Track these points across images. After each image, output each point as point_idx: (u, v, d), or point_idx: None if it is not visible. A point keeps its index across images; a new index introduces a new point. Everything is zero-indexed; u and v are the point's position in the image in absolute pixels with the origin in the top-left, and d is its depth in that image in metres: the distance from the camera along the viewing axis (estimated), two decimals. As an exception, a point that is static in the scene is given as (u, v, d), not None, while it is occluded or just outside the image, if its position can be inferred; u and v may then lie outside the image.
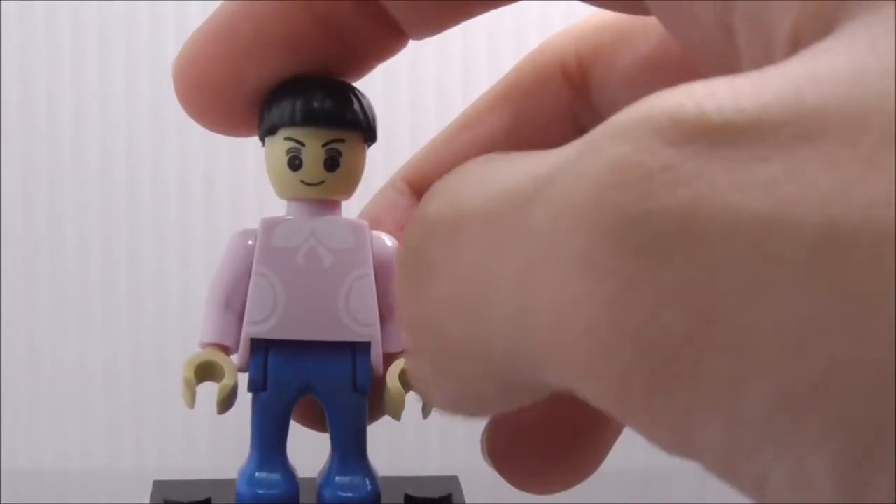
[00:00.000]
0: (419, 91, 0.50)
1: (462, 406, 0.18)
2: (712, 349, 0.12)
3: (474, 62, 0.50)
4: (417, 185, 0.25)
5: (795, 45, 0.14)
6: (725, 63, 0.17)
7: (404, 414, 0.23)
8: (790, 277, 0.11)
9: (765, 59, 0.15)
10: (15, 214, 0.50)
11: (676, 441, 0.13)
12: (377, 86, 0.48)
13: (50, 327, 0.51)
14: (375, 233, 0.23)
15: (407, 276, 0.17)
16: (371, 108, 0.23)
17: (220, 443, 0.50)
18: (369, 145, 0.24)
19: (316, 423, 0.23)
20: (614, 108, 0.25)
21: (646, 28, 0.24)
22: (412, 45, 0.23)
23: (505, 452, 0.23)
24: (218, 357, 0.22)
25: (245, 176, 0.50)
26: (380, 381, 0.23)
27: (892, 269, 0.11)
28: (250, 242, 0.23)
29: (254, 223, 0.23)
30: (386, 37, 0.22)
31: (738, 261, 0.12)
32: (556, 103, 0.24)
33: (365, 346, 0.23)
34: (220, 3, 0.22)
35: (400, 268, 0.17)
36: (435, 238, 0.16)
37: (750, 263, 0.12)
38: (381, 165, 0.49)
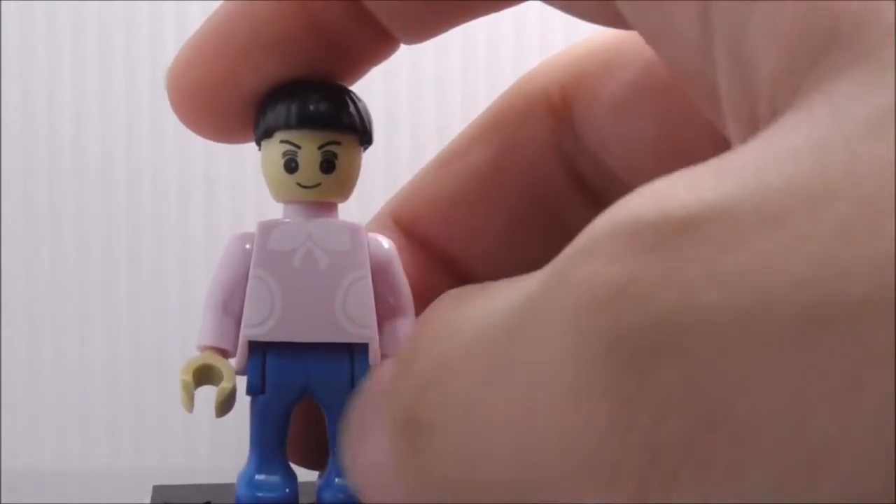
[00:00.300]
0: (418, 91, 0.50)
1: None
2: (716, 445, 0.12)
3: (473, 64, 0.50)
4: (404, 221, 0.25)
5: (776, 85, 0.14)
6: (710, 89, 0.17)
7: None
8: (776, 361, 0.11)
9: (745, 91, 0.15)
10: (15, 214, 0.50)
11: None
12: (376, 87, 0.48)
13: (50, 327, 0.51)
14: (372, 235, 0.23)
15: (400, 435, 0.17)
16: (367, 111, 0.23)
17: (221, 443, 0.50)
18: (365, 148, 0.24)
19: (314, 430, 0.23)
20: (599, 135, 0.25)
21: (630, 56, 0.24)
22: (412, 47, 0.23)
23: None
24: (216, 360, 0.22)
25: (245, 176, 0.50)
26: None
27: (875, 333, 0.11)
28: (247, 246, 0.23)
29: (254, 224, 0.23)
30: (377, 41, 0.22)
31: (722, 356, 0.12)
32: (541, 134, 0.24)
33: (363, 349, 0.23)
34: (219, 4, 0.23)
35: (391, 427, 0.17)
36: (422, 394, 0.16)
37: (734, 356, 0.12)
38: (382, 167, 0.49)
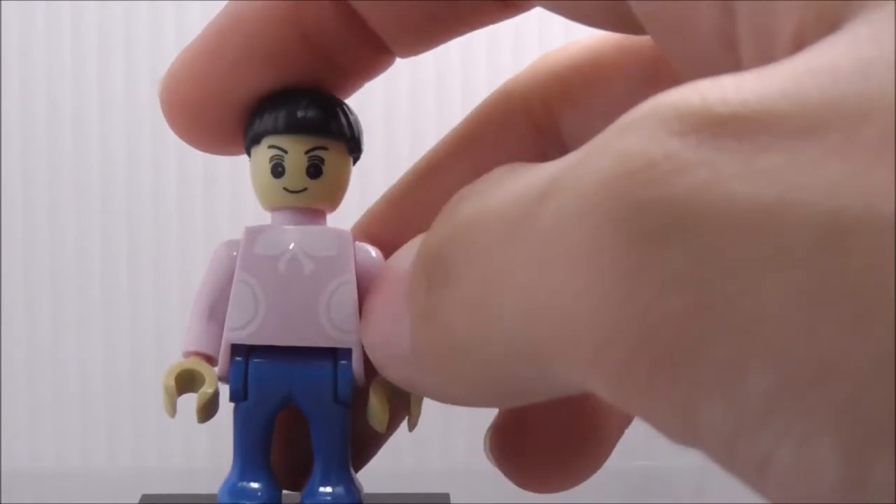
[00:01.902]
0: (418, 94, 0.50)
1: (460, 401, 0.18)
2: (714, 333, 0.12)
3: (473, 66, 0.50)
4: (377, 235, 0.24)
5: (798, 46, 0.14)
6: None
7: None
8: (794, 263, 0.12)
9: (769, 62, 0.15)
10: (15, 214, 0.50)
11: (679, 426, 0.13)
12: (377, 93, 0.48)
13: (50, 327, 0.51)
14: (359, 243, 0.23)
15: (421, 277, 0.17)
16: (358, 122, 0.23)
17: (219, 444, 0.50)
18: (355, 159, 0.24)
19: (297, 437, 0.23)
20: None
21: (615, 68, 0.23)
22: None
23: (508, 451, 0.23)
24: (199, 366, 0.22)
25: (245, 176, 0.50)
26: (363, 391, 0.23)
27: (894, 258, 0.11)
28: (235, 253, 0.23)
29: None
30: (372, 54, 0.22)
31: (740, 246, 0.12)
32: (522, 148, 0.24)
33: (346, 356, 0.22)
34: (216, 11, 0.22)
35: (414, 270, 0.17)
36: (454, 240, 0.17)
37: (752, 248, 0.12)
38: (382, 170, 0.49)
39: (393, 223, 0.25)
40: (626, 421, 0.24)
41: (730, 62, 0.16)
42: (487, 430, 0.23)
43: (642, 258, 0.12)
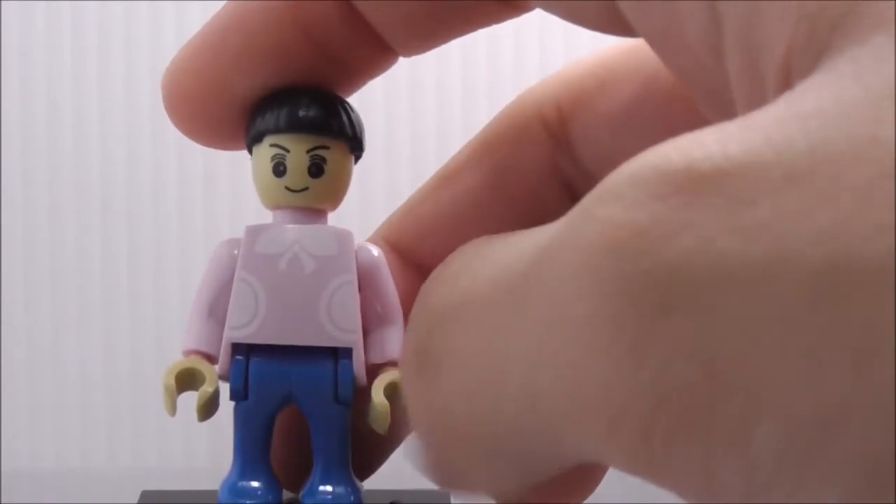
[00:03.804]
0: (418, 93, 0.50)
1: (468, 487, 0.18)
2: (722, 396, 0.12)
3: (474, 65, 0.50)
4: (398, 244, 0.24)
5: (787, 68, 0.14)
6: (717, 89, 0.17)
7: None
8: (792, 316, 0.11)
9: (755, 81, 0.15)
10: (15, 214, 0.50)
11: (697, 488, 0.13)
12: (377, 93, 0.48)
13: (50, 327, 0.51)
14: (361, 242, 0.23)
15: (413, 368, 0.17)
16: (359, 120, 0.23)
17: (219, 444, 0.50)
18: (357, 157, 0.24)
19: (297, 437, 0.23)
20: (597, 155, 0.24)
21: (627, 73, 0.23)
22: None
23: None
24: (199, 364, 0.22)
25: (245, 176, 0.50)
26: (364, 392, 0.23)
27: (892, 300, 0.11)
28: (235, 252, 0.23)
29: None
30: (375, 53, 0.22)
31: (736, 306, 0.12)
32: (537, 155, 0.24)
33: (347, 355, 0.22)
34: (219, 6, 0.22)
35: (405, 360, 0.17)
36: (439, 328, 0.16)
37: (747, 307, 0.12)
38: (382, 170, 0.49)
39: (411, 231, 0.25)
40: None
41: (719, 73, 0.16)
42: None
43: (644, 329, 0.12)
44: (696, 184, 0.12)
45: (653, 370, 0.12)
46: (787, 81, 0.14)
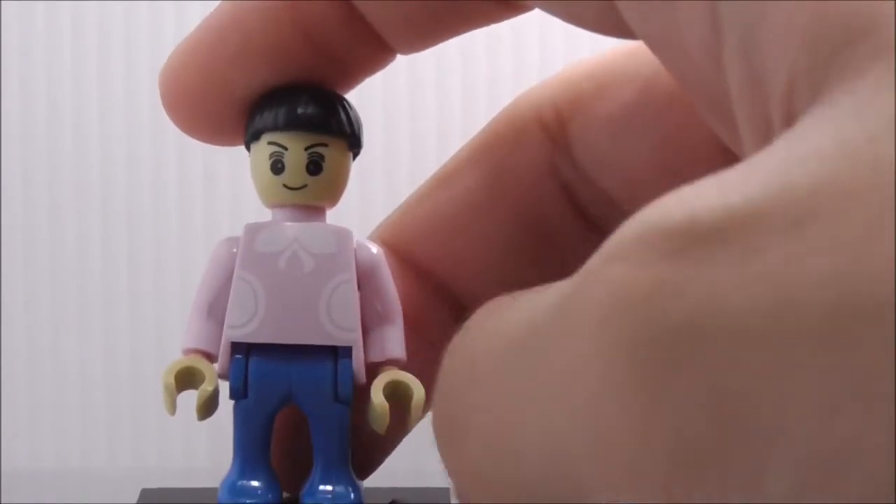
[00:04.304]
0: (417, 91, 0.50)
1: None
2: (737, 444, 0.12)
3: (473, 64, 0.49)
4: (396, 245, 0.24)
5: (791, 89, 0.14)
6: (717, 97, 0.16)
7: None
8: (800, 362, 0.11)
9: (756, 95, 0.15)
10: (15, 214, 0.50)
11: None
12: (376, 92, 0.48)
13: (50, 327, 0.51)
14: (360, 240, 0.23)
15: (443, 436, 0.17)
16: (357, 117, 0.23)
17: (219, 444, 0.50)
18: (355, 155, 0.24)
19: (296, 436, 0.23)
20: (596, 157, 0.25)
21: (626, 76, 0.23)
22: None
23: None
24: (199, 363, 0.22)
25: (245, 176, 0.50)
26: (364, 391, 0.23)
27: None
28: (234, 250, 0.23)
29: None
30: (373, 50, 0.22)
31: (747, 357, 0.12)
32: (535, 156, 0.24)
33: (346, 354, 0.22)
34: (216, 6, 0.22)
35: (435, 429, 0.18)
36: (461, 394, 0.17)
37: (759, 356, 0.12)
38: (381, 169, 0.49)
39: (409, 232, 0.25)
40: None
41: (719, 80, 0.16)
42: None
43: (658, 388, 0.12)
44: (700, 239, 0.12)
45: (671, 428, 0.12)
46: (790, 106, 0.14)
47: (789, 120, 0.14)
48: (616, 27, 0.18)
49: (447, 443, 0.17)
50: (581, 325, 0.13)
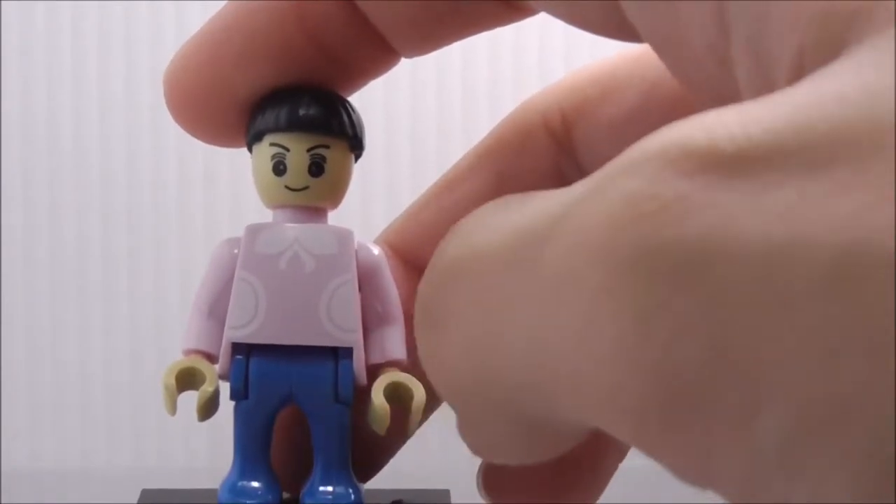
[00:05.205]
0: (419, 93, 0.50)
1: (480, 450, 0.18)
2: (727, 378, 0.12)
3: (474, 66, 0.49)
4: (400, 249, 0.24)
5: (800, 70, 0.14)
6: (724, 97, 0.16)
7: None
8: (807, 302, 0.11)
9: (765, 88, 0.15)
10: (15, 214, 0.50)
11: (694, 471, 0.13)
12: (377, 93, 0.48)
13: (50, 327, 0.51)
14: (361, 241, 0.23)
15: (422, 322, 0.17)
16: (359, 119, 0.23)
17: (219, 444, 0.50)
18: (357, 156, 0.24)
19: (297, 437, 0.23)
20: (601, 161, 0.25)
21: (631, 79, 0.23)
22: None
23: (501, 489, 0.23)
24: (200, 363, 0.22)
25: (245, 176, 0.50)
26: (364, 392, 0.23)
27: None
28: (235, 251, 0.23)
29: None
30: (377, 53, 0.22)
31: (752, 287, 0.12)
32: (541, 161, 0.24)
33: (347, 354, 0.22)
34: (219, 6, 0.22)
35: (416, 314, 0.17)
36: (450, 282, 0.16)
37: (764, 289, 0.12)
38: (382, 170, 0.49)
39: (414, 236, 0.25)
40: (620, 457, 0.24)
41: (726, 80, 0.16)
42: (479, 469, 0.23)
43: (655, 302, 0.12)
44: (719, 165, 0.12)
45: (658, 345, 0.12)
46: (798, 75, 0.14)
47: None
48: (620, 29, 0.18)
49: (427, 329, 0.17)
50: (587, 230, 0.13)
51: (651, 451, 0.13)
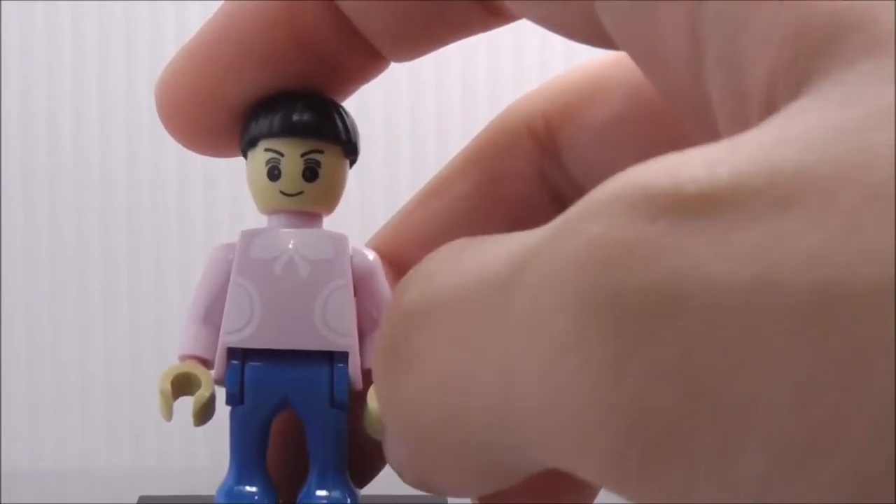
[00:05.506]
0: (418, 96, 0.50)
1: (422, 484, 0.18)
2: (704, 418, 0.12)
3: (473, 69, 0.49)
4: (388, 254, 0.24)
5: (771, 90, 0.14)
6: (698, 108, 0.16)
7: None
8: (778, 341, 0.11)
9: (737, 105, 0.15)
10: (15, 214, 0.50)
11: None
12: (376, 96, 0.48)
13: (50, 327, 0.51)
14: (356, 246, 0.23)
15: (383, 364, 0.17)
16: (354, 124, 0.23)
17: (218, 444, 0.50)
18: (352, 161, 0.24)
19: (293, 441, 0.23)
20: (585, 165, 0.25)
21: (615, 83, 0.23)
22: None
23: (496, 494, 0.23)
24: (195, 369, 0.22)
25: (244, 177, 0.50)
26: (360, 396, 0.23)
27: (883, 322, 0.11)
28: (230, 256, 0.23)
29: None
30: (366, 59, 0.22)
31: (721, 330, 0.12)
32: (526, 164, 0.24)
33: (342, 359, 0.22)
34: (219, 6, 0.23)
35: (377, 356, 0.17)
36: (410, 328, 0.16)
37: (736, 331, 0.12)
38: (381, 173, 0.49)
39: (403, 241, 0.25)
40: None
41: (700, 94, 0.16)
42: None
43: (625, 348, 0.12)
44: (684, 207, 0.12)
45: (631, 390, 0.12)
46: (769, 104, 0.14)
47: (769, 115, 0.14)
48: (601, 38, 0.18)
49: (390, 373, 0.17)
50: (552, 274, 0.13)
51: (628, 492, 0.13)
